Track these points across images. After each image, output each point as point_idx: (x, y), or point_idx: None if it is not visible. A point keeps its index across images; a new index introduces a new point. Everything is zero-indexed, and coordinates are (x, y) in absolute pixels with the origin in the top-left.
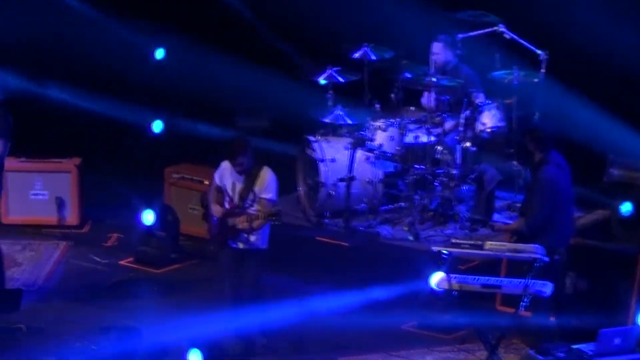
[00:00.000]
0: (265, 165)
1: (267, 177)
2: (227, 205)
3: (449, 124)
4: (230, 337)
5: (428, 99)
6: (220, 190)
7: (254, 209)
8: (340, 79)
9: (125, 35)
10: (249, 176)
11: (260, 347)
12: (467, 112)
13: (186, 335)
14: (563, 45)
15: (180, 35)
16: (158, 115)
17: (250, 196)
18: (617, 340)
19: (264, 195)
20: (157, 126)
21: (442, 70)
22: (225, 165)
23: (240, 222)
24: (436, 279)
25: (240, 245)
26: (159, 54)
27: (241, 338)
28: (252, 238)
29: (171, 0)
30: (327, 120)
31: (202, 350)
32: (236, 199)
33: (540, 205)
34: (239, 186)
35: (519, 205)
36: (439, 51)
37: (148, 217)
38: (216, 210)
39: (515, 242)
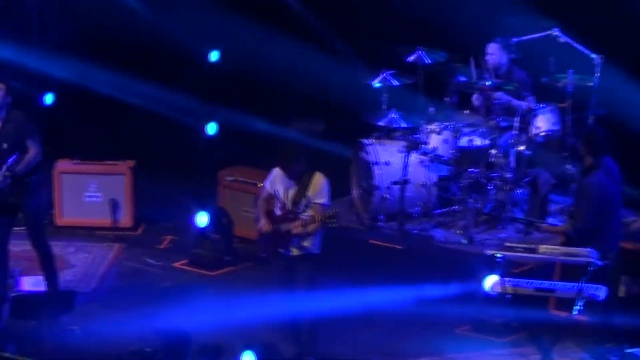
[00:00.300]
0: (317, 169)
1: (320, 183)
2: (278, 212)
3: (503, 127)
4: (283, 339)
5: (477, 98)
6: (272, 197)
7: (306, 214)
8: (395, 82)
9: (181, 37)
10: (302, 182)
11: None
12: (521, 116)
13: (240, 337)
14: (618, 49)
15: (235, 37)
16: (212, 117)
17: (303, 201)
18: None
19: (317, 200)
20: (212, 128)
21: (495, 73)
22: (277, 171)
23: (295, 227)
24: (490, 282)
25: (294, 252)
26: (214, 56)
27: (294, 340)
28: (306, 243)
29: (227, 3)
30: (381, 123)
31: (256, 352)
32: (289, 204)
33: (587, 211)
34: (291, 192)
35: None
36: (494, 52)
37: (202, 219)
38: (264, 224)
39: (562, 244)
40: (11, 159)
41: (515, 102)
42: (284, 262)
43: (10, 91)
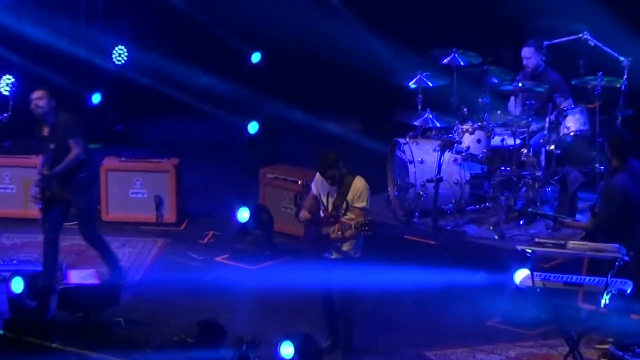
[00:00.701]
0: (357, 171)
1: (359, 187)
2: (321, 214)
3: (534, 128)
4: (321, 330)
5: (515, 104)
6: (316, 200)
7: (347, 218)
8: (430, 84)
9: (224, 39)
10: (342, 186)
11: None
12: (552, 116)
13: (279, 328)
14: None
15: (275, 40)
16: (254, 116)
17: (344, 205)
18: None
19: (357, 205)
20: (253, 127)
21: (532, 75)
22: (319, 175)
23: (333, 232)
24: (520, 276)
25: (334, 255)
26: (255, 57)
27: (332, 332)
28: (345, 247)
29: (269, 7)
30: (416, 123)
31: (294, 342)
32: (330, 208)
33: (606, 210)
34: (332, 196)
35: None
36: (530, 55)
37: (243, 215)
38: (303, 214)
39: (582, 239)
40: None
41: (558, 99)
42: (325, 264)
43: (53, 95)
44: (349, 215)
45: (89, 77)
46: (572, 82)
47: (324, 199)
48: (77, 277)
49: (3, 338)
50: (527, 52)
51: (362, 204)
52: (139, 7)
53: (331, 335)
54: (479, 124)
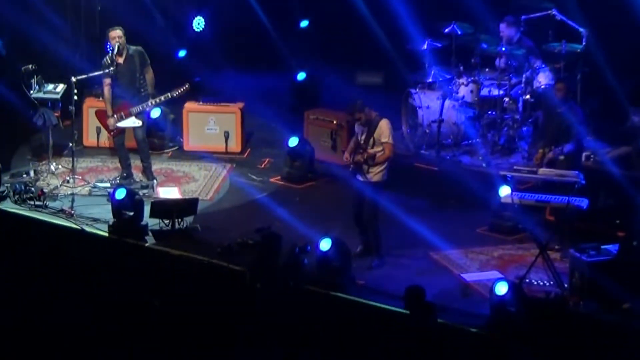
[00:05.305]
0: (384, 116)
1: (384, 126)
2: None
3: (514, 81)
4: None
5: (499, 63)
6: (357, 141)
7: (372, 150)
8: (436, 46)
9: (280, 6)
10: (371, 126)
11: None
12: (527, 73)
13: (320, 234)
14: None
15: (321, 10)
16: (302, 69)
17: (371, 141)
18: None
19: (383, 140)
20: (301, 76)
21: (509, 42)
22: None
23: (360, 157)
24: (504, 191)
25: (361, 178)
26: (304, 23)
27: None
28: (371, 173)
29: None
30: (424, 78)
31: (331, 239)
32: (362, 142)
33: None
34: (364, 133)
35: None
36: (503, 30)
37: (292, 142)
38: (345, 156)
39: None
40: None
41: (532, 60)
42: (355, 184)
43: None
44: (375, 148)
45: (178, 38)
46: (543, 47)
47: (360, 136)
48: (164, 192)
49: (109, 239)
50: (501, 27)
51: (385, 140)
52: None
53: (362, 242)
54: (472, 78)
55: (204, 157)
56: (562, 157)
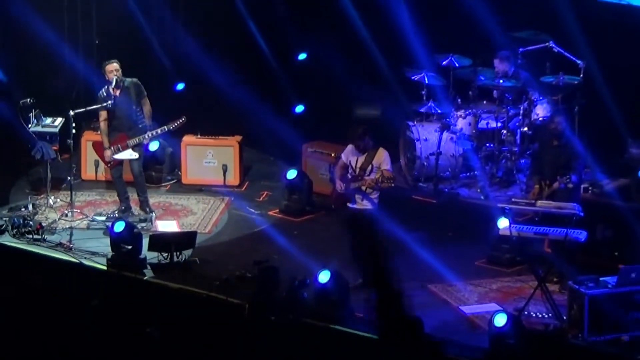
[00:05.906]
0: (380, 145)
1: (383, 154)
2: (349, 176)
3: (511, 114)
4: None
5: (497, 96)
6: (345, 167)
7: (371, 177)
8: (434, 81)
9: (279, 40)
10: (369, 154)
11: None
12: (525, 105)
13: (318, 266)
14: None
15: (319, 43)
16: (300, 101)
17: (369, 168)
18: (633, 275)
19: (383, 167)
20: (299, 109)
21: (505, 76)
22: (350, 147)
23: (362, 184)
24: (502, 224)
25: (357, 206)
26: (302, 56)
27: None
28: (365, 202)
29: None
30: (422, 110)
31: (330, 271)
32: (357, 170)
33: None
34: (360, 161)
35: None
36: (497, 64)
37: (291, 175)
38: (339, 185)
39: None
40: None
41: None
42: (350, 213)
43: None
44: (373, 175)
45: (177, 70)
46: (540, 79)
47: (353, 164)
48: (162, 226)
49: (107, 272)
50: (495, 62)
51: (387, 167)
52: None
53: (361, 275)
54: (470, 110)
55: (203, 190)
56: (570, 185)
